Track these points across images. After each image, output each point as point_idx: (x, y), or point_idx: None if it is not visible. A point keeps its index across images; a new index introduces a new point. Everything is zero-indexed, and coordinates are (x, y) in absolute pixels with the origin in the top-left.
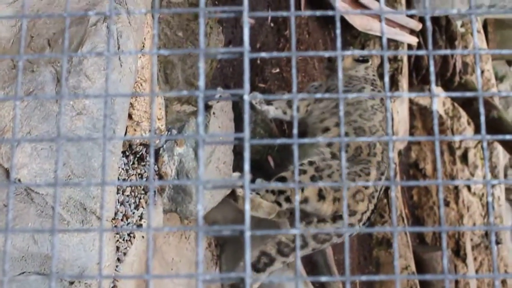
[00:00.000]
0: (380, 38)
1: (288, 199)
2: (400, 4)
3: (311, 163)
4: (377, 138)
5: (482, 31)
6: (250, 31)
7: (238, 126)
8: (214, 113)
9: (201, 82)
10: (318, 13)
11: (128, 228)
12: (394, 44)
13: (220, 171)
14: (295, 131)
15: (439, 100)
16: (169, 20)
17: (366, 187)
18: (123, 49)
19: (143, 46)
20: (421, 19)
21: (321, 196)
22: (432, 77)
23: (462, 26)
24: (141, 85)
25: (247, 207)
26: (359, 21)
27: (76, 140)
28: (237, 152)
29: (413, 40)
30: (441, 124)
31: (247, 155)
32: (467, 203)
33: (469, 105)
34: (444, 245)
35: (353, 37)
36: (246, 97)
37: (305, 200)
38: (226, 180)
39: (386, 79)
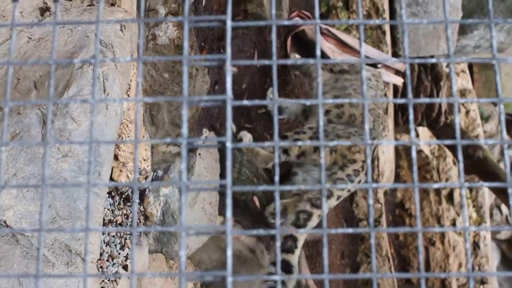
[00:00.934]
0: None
1: (286, 152)
2: (386, 45)
3: (310, 128)
4: (357, 185)
5: (467, 71)
6: (236, 71)
7: (224, 167)
8: (199, 154)
9: (184, 130)
10: (300, 61)
11: (110, 275)
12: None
13: (206, 212)
14: (276, 178)
15: (425, 140)
16: (155, 62)
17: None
18: (108, 92)
19: (129, 87)
20: None
21: (316, 148)
22: (411, 125)
23: (447, 66)
24: (127, 126)
25: (229, 253)
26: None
27: (61, 186)
28: (223, 193)
29: (399, 81)
30: (426, 164)
31: (229, 201)
32: (453, 243)
33: (454, 146)
34: None
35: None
36: (229, 144)
37: (302, 154)
38: (209, 227)
39: (367, 126)
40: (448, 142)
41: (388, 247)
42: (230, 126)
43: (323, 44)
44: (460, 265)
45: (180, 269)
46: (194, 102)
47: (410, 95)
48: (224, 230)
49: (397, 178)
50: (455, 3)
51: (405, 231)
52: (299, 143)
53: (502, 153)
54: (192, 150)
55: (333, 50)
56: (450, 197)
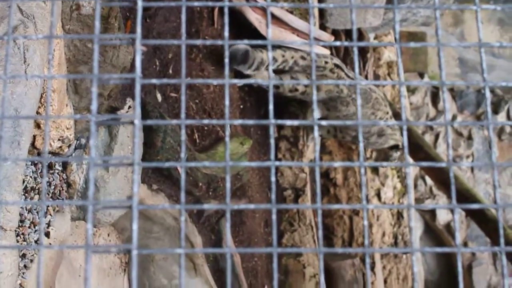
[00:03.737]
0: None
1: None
2: (313, 16)
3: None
4: (259, 164)
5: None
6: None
7: (148, 136)
8: (123, 124)
9: (94, 106)
10: (209, 42)
11: (20, 246)
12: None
13: (129, 180)
14: (182, 155)
15: None
16: (79, 32)
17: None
18: (29, 62)
19: (53, 57)
20: (334, 32)
21: None
22: (315, 106)
23: (375, 38)
24: (50, 95)
25: (135, 227)
26: (271, 32)
27: None
28: (146, 162)
29: (325, 52)
30: None
31: (136, 177)
32: (377, 212)
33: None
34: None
35: (266, 45)
36: (137, 122)
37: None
38: (115, 201)
39: (271, 117)
40: (350, 123)
41: (312, 216)
42: (138, 103)
43: (250, 15)
44: (383, 234)
45: (86, 242)
46: (104, 80)
47: (314, 76)
48: (130, 204)
49: (323, 147)
50: None
51: (303, 207)
52: (206, 120)
53: (429, 126)
54: (116, 118)
55: (260, 21)
56: (375, 168)
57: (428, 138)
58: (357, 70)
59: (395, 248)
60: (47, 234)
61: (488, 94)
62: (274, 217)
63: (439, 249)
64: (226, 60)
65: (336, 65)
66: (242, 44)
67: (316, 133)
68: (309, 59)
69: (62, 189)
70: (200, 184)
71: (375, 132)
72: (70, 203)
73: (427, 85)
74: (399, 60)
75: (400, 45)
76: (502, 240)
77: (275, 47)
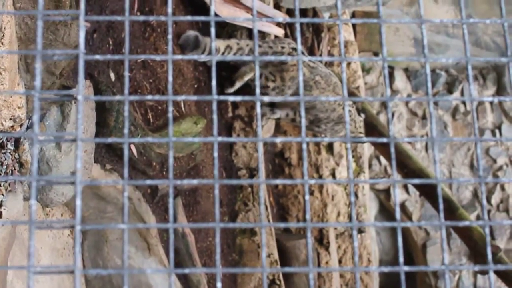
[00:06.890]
0: (246, 29)
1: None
2: None
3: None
4: (201, 139)
5: (349, 23)
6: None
7: (100, 115)
8: (75, 102)
9: (37, 82)
10: (152, 18)
11: None
12: (261, 34)
13: (81, 160)
14: (125, 130)
15: None
16: (30, 10)
17: None
18: None
19: (3, 35)
20: (288, 11)
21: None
22: (257, 82)
23: (330, 17)
24: (1, 74)
25: (78, 202)
26: (226, 11)
27: None
28: (98, 143)
29: (279, 32)
30: None
31: (79, 153)
32: (332, 192)
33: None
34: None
35: (221, 27)
36: (80, 97)
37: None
38: (58, 177)
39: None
40: (292, 99)
41: (267, 195)
42: (82, 79)
43: None
44: (338, 214)
45: (30, 218)
46: (48, 56)
47: (256, 53)
48: (73, 180)
49: (277, 127)
50: None
51: (244, 182)
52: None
53: (384, 106)
54: (68, 97)
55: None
56: (329, 147)
57: (383, 118)
58: (299, 46)
59: (338, 223)
60: None
61: (428, 71)
62: (216, 191)
63: (387, 224)
64: (169, 36)
65: (294, 49)
66: (191, 31)
67: (259, 109)
68: (265, 46)
69: (14, 169)
70: (154, 163)
71: (334, 118)
72: (13, 179)
73: (368, 61)
74: (341, 36)
75: (342, 21)
76: (441, 215)
77: (230, 36)
